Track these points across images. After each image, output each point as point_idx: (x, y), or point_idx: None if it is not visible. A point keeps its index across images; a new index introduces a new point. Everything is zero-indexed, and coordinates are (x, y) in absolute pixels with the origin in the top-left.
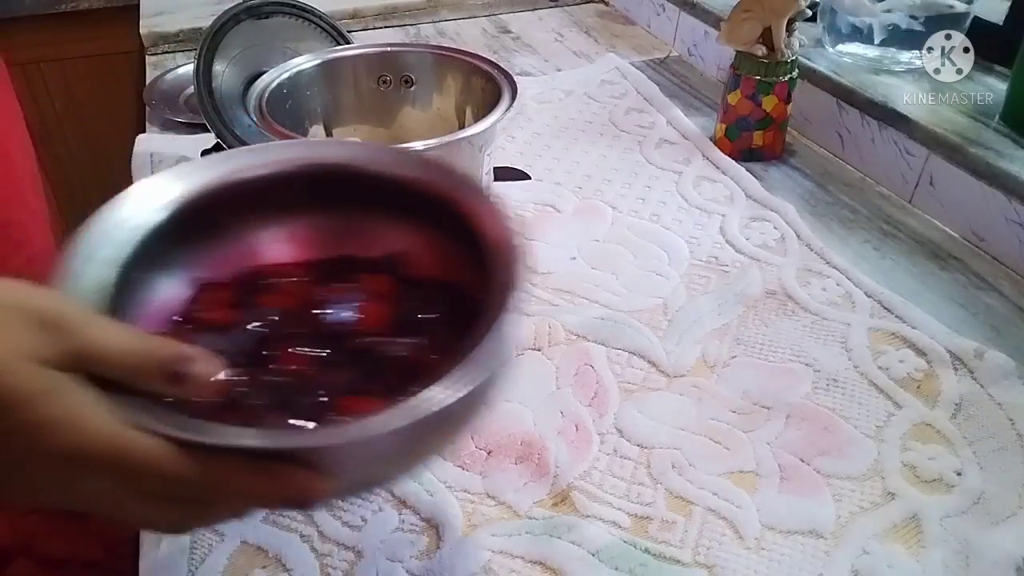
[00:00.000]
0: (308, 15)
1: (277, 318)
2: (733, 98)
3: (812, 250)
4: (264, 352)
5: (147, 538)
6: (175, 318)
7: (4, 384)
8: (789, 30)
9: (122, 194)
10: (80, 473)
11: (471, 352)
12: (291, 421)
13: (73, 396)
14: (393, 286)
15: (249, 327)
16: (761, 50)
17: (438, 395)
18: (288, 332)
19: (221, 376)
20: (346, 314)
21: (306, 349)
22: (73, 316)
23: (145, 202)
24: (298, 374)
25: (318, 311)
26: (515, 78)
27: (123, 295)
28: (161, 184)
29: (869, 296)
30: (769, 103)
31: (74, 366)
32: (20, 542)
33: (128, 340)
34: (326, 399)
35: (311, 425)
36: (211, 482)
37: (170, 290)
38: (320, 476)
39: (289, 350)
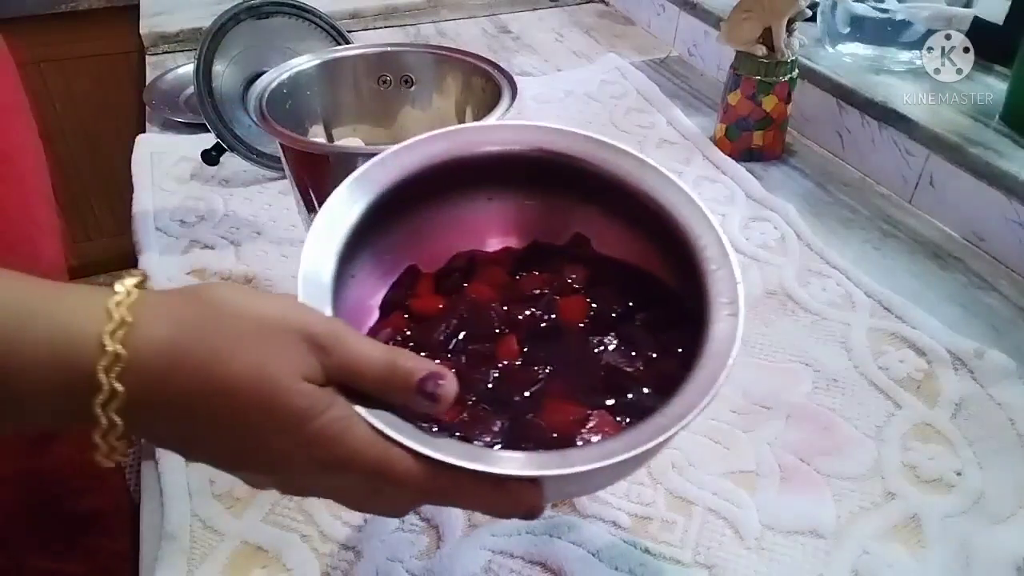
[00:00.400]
0: (308, 15)
1: (481, 310)
2: (733, 98)
3: (812, 250)
4: (473, 346)
5: (146, 537)
6: (385, 305)
7: (290, 403)
8: (789, 30)
9: (342, 185)
10: (338, 475)
11: (698, 368)
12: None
13: (340, 411)
14: (587, 274)
15: (456, 320)
16: (761, 50)
17: (667, 424)
18: (493, 326)
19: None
20: (546, 307)
21: (513, 346)
22: (334, 334)
23: (356, 193)
24: (507, 372)
25: (520, 304)
26: (515, 78)
27: (339, 288)
28: (374, 171)
29: (869, 296)
30: (769, 103)
31: (333, 380)
32: (11, 560)
33: (381, 357)
34: (531, 400)
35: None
36: (455, 496)
37: (376, 276)
38: (545, 492)
39: (498, 346)
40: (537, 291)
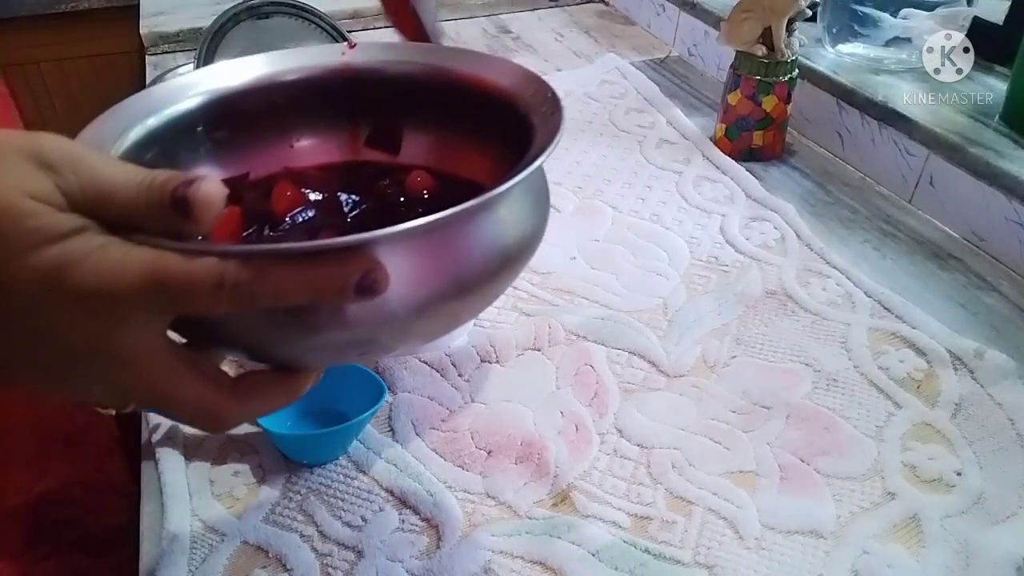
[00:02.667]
0: (308, 15)
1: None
2: (733, 98)
3: (812, 250)
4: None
5: (146, 537)
6: None
7: (15, 224)
8: (789, 30)
9: (157, 85)
10: (112, 314)
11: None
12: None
13: (96, 234)
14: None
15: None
16: (761, 50)
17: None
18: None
19: (226, 203)
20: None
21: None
22: (71, 154)
23: (177, 92)
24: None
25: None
26: None
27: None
28: (198, 78)
29: (869, 296)
30: (769, 103)
31: (79, 208)
32: None
33: (133, 175)
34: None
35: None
36: (261, 286)
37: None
38: (380, 263)
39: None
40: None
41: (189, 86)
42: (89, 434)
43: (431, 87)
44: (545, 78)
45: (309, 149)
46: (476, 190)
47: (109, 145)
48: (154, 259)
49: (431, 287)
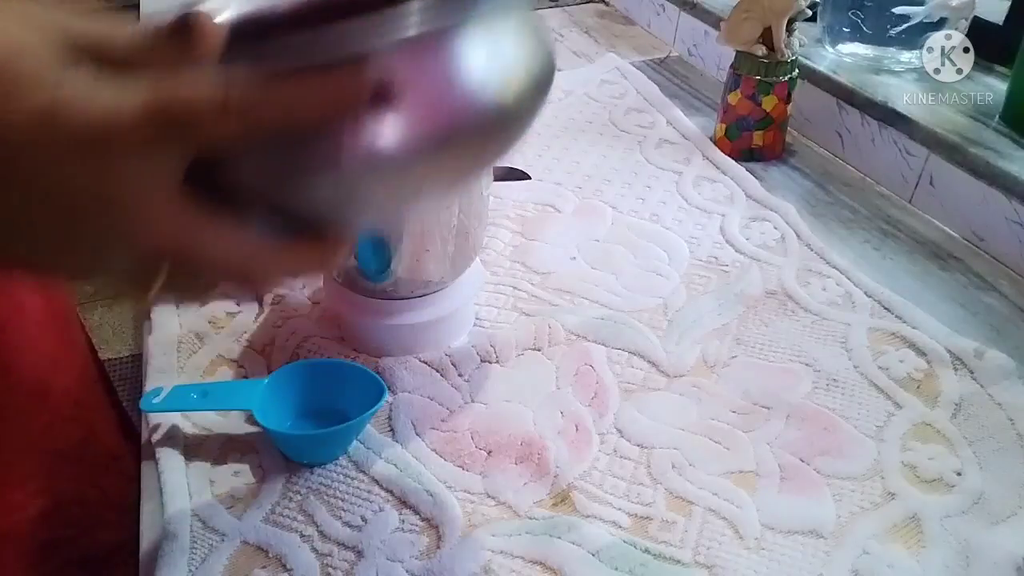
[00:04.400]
0: None
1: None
2: (733, 98)
3: (812, 250)
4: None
5: (146, 537)
6: None
7: (5, 70)
8: (789, 30)
9: None
10: (114, 152)
11: None
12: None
13: (89, 76)
14: None
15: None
16: (761, 50)
17: None
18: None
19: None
20: None
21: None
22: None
23: None
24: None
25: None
26: None
27: None
28: None
29: (869, 296)
30: (769, 103)
31: (78, 51)
32: None
33: (127, 24)
34: None
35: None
36: (281, 97)
37: None
38: (394, 66)
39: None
40: None
41: None
42: (84, 451)
43: None
44: None
45: None
46: None
47: None
48: (154, 85)
49: (436, 117)
